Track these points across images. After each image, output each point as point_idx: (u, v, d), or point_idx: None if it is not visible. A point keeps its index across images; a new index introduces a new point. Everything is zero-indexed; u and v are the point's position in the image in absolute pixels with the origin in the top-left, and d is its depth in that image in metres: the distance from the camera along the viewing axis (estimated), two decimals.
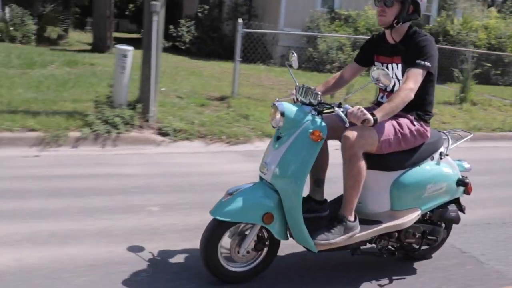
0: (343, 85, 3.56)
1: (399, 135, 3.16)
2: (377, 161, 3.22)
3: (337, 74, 3.59)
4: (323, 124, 3.00)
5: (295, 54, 3.29)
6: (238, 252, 3.10)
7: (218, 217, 2.97)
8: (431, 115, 3.33)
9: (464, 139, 3.78)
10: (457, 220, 3.59)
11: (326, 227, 3.13)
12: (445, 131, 3.72)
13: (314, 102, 3.05)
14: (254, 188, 3.09)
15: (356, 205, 3.17)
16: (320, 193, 3.39)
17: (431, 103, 3.32)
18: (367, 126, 2.98)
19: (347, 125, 2.96)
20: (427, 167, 3.37)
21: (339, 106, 3.01)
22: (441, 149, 3.47)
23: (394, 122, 3.18)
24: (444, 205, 3.54)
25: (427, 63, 3.07)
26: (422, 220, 3.49)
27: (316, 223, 3.16)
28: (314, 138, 2.90)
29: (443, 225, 3.63)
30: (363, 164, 3.06)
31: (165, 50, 11.44)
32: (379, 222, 3.30)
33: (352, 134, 3.05)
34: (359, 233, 3.20)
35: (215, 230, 3.02)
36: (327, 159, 3.37)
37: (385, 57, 3.31)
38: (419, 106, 3.26)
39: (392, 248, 3.50)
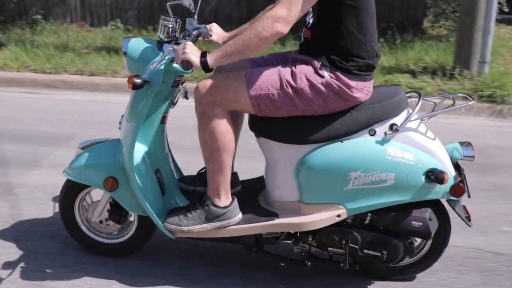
0: None
1: (289, 89, 2.11)
2: (270, 128, 2.26)
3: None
4: (160, 67, 2.19)
5: None
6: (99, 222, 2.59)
7: (64, 174, 2.51)
8: (362, 63, 2.12)
9: (450, 108, 2.34)
10: (423, 234, 2.29)
11: (186, 209, 2.35)
12: (418, 92, 2.37)
13: (163, 37, 2.25)
14: (103, 145, 2.51)
15: (226, 186, 2.28)
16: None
17: (361, 44, 2.11)
18: (235, 74, 2.07)
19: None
20: (354, 145, 2.19)
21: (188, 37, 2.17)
22: (394, 120, 2.21)
23: (283, 70, 2.14)
24: (409, 207, 2.28)
25: None
26: (356, 223, 2.33)
27: None
28: (128, 84, 2.14)
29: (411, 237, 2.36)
30: (221, 128, 2.16)
31: None
32: (274, 215, 2.32)
33: (204, 84, 2.17)
34: (236, 225, 2.31)
35: (67, 190, 2.58)
36: (239, 124, 2.49)
37: None
38: (333, 47, 2.12)
39: (324, 256, 2.44)
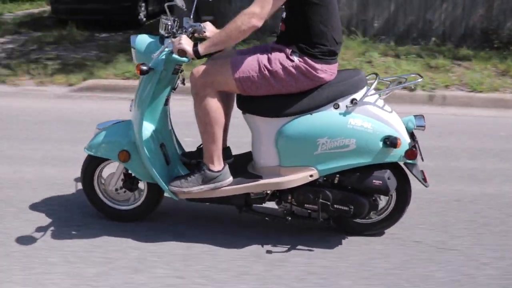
0: None
1: (266, 72, 2.60)
2: (254, 105, 2.75)
3: None
4: (161, 57, 2.69)
5: None
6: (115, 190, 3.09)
7: (85, 150, 3.02)
8: (325, 49, 2.60)
9: (401, 85, 2.81)
10: (382, 191, 2.74)
11: (186, 174, 2.84)
12: (376, 73, 2.84)
13: (164, 33, 2.76)
14: (117, 125, 3.01)
15: (219, 153, 2.77)
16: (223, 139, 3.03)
17: (323, 34, 2.59)
18: (222, 61, 2.59)
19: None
20: (321, 117, 2.67)
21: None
22: (354, 95, 2.69)
23: (261, 56, 2.63)
24: (371, 169, 2.74)
25: None
26: (328, 183, 2.80)
27: None
28: (136, 71, 2.65)
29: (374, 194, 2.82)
30: (211, 104, 2.66)
31: None
32: (259, 177, 2.81)
33: (197, 70, 2.67)
34: (228, 186, 2.80)
35: (88, 164, 3.08)
36: (230, 104, 2.99)
37: None
38: (300, 37, 2.60)
39: (305, 213, 2.92)
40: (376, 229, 3.00)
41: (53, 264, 2.68)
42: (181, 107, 3.96)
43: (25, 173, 3.81)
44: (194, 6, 2.92)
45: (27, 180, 3.70)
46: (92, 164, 3.06)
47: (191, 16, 2.89)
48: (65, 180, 3.66)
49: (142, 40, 2.80)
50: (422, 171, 2.90)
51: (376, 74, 2.83)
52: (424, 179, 2.87)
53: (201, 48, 2.54)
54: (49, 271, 2.62)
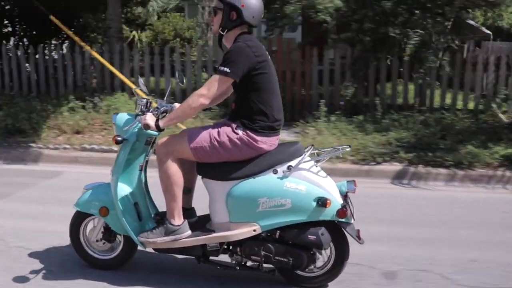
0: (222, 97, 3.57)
1: (215, 143, 3.17)
2: (208, 170, 3.30)
3: None
4: (134, 131, 3.31)
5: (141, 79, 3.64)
6: (96, 241, 3.62)
7: (74, 206, 3.60)
8: (264, 125, 3.17)
9: (329, 155, 3.30)
10: (316, 245, 3.18)
11: (153, 227, 3.37)
12: (311, 145, 3.36)
13: (137, 112, 3.40)
14: (101, 186, 3.59)
15: (179, 210, 3.29)
16: (187, 200, 3.54)
17: (262, 112, 3.15)
18: (180, 134, 3.22)
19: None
20: (262, 180, 3.19)
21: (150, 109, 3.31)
22: (291, 163, 3.21)
23: (212, 130, 3.21)
24: (307, 226, 3.20)
25: (226, 69, 3.05)
26: (271, 238, 3.27)
27: None
28: (113, 141, 3.27)
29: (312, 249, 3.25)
30: (172, 169, 3.22)
31: None
32: (212, 232, 3.31)
33: (161, 141, 3.27)
34: (186, 238, 3.30)
35: (76, 218, 3.65)
36: (195, 170, 3.53)
37: None
38: (244, 114, 3.18)
39: (252, 264, 3.37)
40: (318, 282, 3.39)
41: None
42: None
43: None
44: (168, 90, 3.59)
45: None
46: (78, 219, 3.62)
47: (165, 98, 3.54)
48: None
49: (121, 117, 3.45)
50: (357, 230, 3.33)
51: (312, 145, 3.35)
52: (358, 237, 3.29)
53: (161, 122, 3.15)
54: None
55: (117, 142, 3.24)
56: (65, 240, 3.97)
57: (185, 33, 15.84)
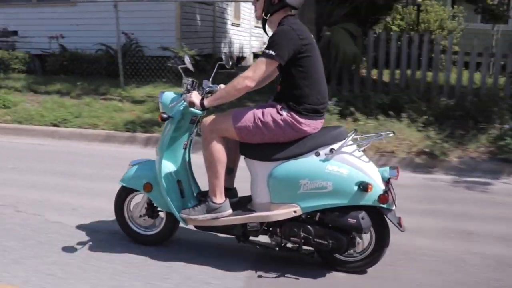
0: (266, 80, 3.62)
1: (259, 123, 3.20)
2: (251, 150, 3.34)
3: None
4: (179, 109, 3.38)
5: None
6: (139, 216, 3.73)
7: (119, 182, 3.72)
8: (309, 107, 3.17)
9: (371, 140, 3.28)
10: (356, 229, 3.18)
11: (195, 205, 3.44)
12: (355, 128, 3.34)
13: (183, 90, 3.47)
14: (146, 162, 3.68)
15: (220, 188, 3.35)
16: (229, 180, 3.60)
17: (307, 95, 3.16)
18: (226, 113, 3.28)
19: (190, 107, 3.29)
20: (304, 162, 3.20)
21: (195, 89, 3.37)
22: (333, 146, 3.21)
23: (256, 110, 3.24)
24: (347, 210, 3.20)
25: (271, 52, 3.07)
26: (311, 220, 3.28)
27: None
28: (158, 118, 3.34)
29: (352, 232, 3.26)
30: (216, 147, 3.27)
31: None
32: (253, 211, 3.35)
33: (206, 119, 3.33)
34: (227, 217, 3.35)
35: (120, 193, 3.76)
36: (238, 151, 3.57)
37: None
38: (289, 97, 3.20)
39: (292, 246, 3.40)
40: (357, 267, 3.39)
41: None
42: None
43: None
44: (214, 71, 3.64)
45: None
46: (123, 194, 3.73)
47: (210, 79, 3.60)
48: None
49: (167, 95, 3.52)
50: (399, 217, 3.31)
51: (355, 130, 3.34)
52: (400, 224, 3.27)
53: (206, 101, 3.21)
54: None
55: (163, 119, 3.32)
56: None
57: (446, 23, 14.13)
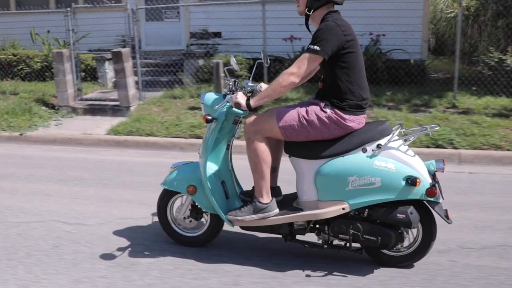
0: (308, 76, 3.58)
1: (304, 121, 3.20)
2: (296, 149, 3.34)
3: None
4: (223, 110, 3.38)
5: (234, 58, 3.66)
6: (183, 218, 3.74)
7: (161, 185, 3.73)
8: (352, 103, 3.17)
9: (417, 134, 3.27)
10: (406, 224, 3.17)
11: (241, 206, 3.45)
12: (400, 122, 3.33)
13: (226, 91, 3.47)
14: (188, 165, 3.70)
15: (267, 188, 3.35)
16: (272, 179, 3.59)
17: (351, 91, 3.16)
18: (269, 113, 3.28)
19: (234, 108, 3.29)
20: (351, 159, 3.20)
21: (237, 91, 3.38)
22: (380, 141, 3.20)
23: (300, 109, 3.24)
24: (396, 205, 3.20)
25: (316, 47, 3.07)
26: (359, 216, 3.28)
27: None
28: (203, 120, 3.35)
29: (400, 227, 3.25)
30: (260, 147, 3.27)
31: None
32: (300, 210, 3.35)
33: (249, 119, 3.33)
34: (275, 217, 3.36)
35: (163, 196, 3.78)
36: (280, 150, 3.58)
37: None
38: (332, 93, 3.20)
39: (340, 243, 3.40)
40: (404, 261, 3.38)
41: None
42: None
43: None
44: (254, 70, 3.65)
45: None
46: (166, 197, 3.74)
47: (250, 78, 3.60)
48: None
49: (209, 97, 3.52)
50: (445, 210, 3.30)
51: (401, 124, 3.33)
52: (447, 216, 3.26)
53: (252, 101, 3.21)
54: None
55: (207, 122, 3.32)
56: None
57: None
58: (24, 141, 7.56)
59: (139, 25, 10.41)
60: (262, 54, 3.66)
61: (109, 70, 10.35)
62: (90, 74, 10.62)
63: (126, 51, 8.41)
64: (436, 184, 3.22)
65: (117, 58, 8.31)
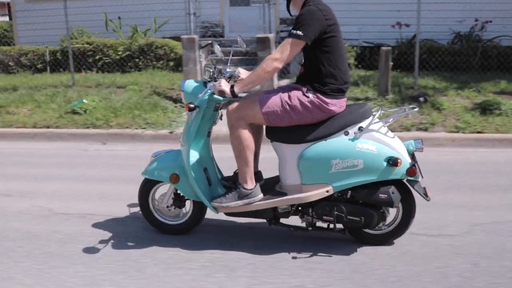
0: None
1: (287, 107, 3.22)
2: (279, 134, 3.36)
3: None
4: (204, 97, 3.36)
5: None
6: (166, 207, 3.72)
7: (142, 174, 3.69)
8: (334, 87, 3.22)
9: (396, 115, 3.36)
10: (388, 203, 3.26)
11: (225, 192, 3.46)
12: (380, 105, 3.41)
13: (207, 78, 3.45)
14: (169, 153, 3.67)
15: (251, 174, 3.37)
16: (254, 164, 3.62)
17: (332, 75, 3.20)
18: (251, 99, 3.27)
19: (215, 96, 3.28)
20: (334, 142, 3.25)
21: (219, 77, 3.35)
22: (361, 124, 3.27)
23: (282, 94, 3.26)
24: (378, 185, 3.28)
25: (299, 32, 3.09)
26: (342, 198, 3.35)
27: None
28: (185, 108, 3.32)
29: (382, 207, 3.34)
30: (244, 134, 3.28)
31: None
32: (284, 194, 3.39)
33: (232, 106, 3.32)
34: (259, 202, 3.38)
35: (144, 186, 3.74)
36: (261, 135, 3.59)
37: None
38: (314, 78, 3.23)
39: (323, 225, 3.47)
40: (385, 239, 3.49)
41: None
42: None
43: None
44: (230, 57, 3.63)
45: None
46: (147, 186, 3.71)
47: (228, 64, 3.59)
48: None
49: (189, 84, 3.49)
50: (424, 188, 3.41)
51: (380, 106, 3.40)
52: (426, 194, 3.37)
53: (237, 88, 3.20)
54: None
55: (190, 110, 3.30)
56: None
57: None
58: (175, 139, 6.52)
59: (222, 10, 10.09)
60: (239, 39, 3.64)
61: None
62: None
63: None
64: (416, 164, 3.32)
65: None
